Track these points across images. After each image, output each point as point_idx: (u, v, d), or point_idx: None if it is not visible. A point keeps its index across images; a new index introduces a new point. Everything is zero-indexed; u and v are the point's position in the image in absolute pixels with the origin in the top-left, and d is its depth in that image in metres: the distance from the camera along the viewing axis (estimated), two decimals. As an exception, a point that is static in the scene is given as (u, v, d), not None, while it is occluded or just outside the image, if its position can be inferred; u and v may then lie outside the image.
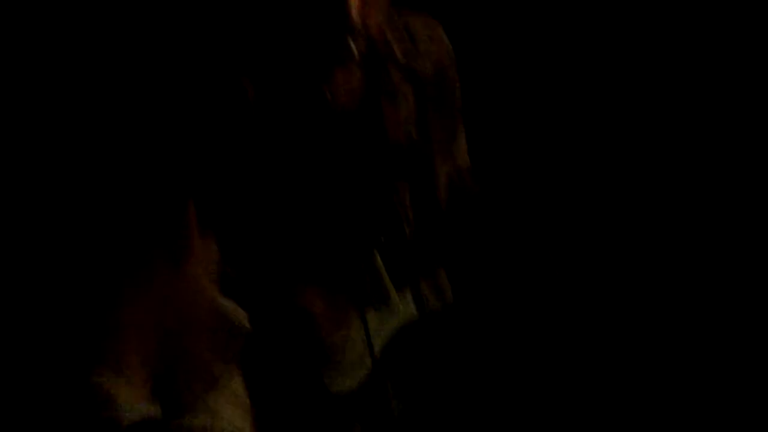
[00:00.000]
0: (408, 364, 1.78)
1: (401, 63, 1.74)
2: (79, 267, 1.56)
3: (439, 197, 1.80)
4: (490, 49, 2.46)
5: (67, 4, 2.01)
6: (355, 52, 1.61)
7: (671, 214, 2.54)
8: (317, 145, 1.71)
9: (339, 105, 1.72)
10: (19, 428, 1.54)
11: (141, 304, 1.52)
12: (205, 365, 1.59)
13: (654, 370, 2.46)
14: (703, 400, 2.43)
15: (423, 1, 1.86)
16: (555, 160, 2.50)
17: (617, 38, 2.48)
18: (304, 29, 1.67)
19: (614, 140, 2.50)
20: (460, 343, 1.95)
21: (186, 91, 1.69)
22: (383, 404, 1.74)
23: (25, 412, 1.55)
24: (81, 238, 1.56)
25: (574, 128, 2.50)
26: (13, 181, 1.70)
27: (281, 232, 1.72)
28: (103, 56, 1.74)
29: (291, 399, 1.68)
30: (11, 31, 2.10)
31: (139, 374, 1.50)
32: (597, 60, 2.48)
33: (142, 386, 1.49)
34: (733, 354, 2.44)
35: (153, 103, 1.72)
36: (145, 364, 1.51)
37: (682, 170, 2.50)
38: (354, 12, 1.57)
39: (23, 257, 1.61)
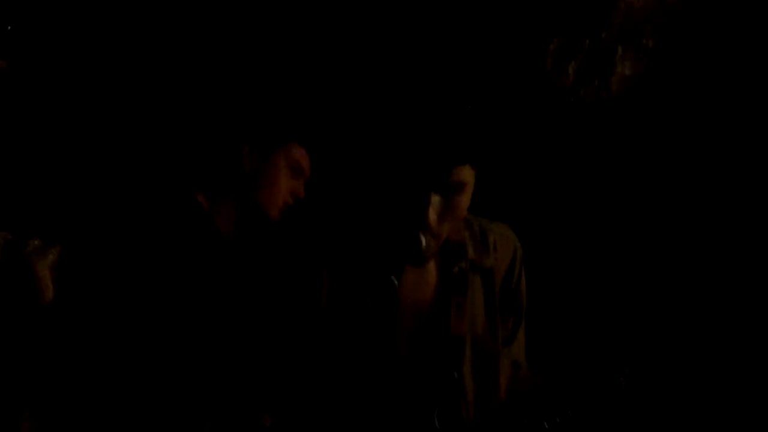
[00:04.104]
0: None
1: (472, 259, 1.80)
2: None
3: (501, 390, 1.82)
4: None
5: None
6: (424, 245, 1.66)
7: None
8: (384, 334, 1.75)
9: (406, 296, 1.77)
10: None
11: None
12: None
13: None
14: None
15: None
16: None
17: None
18: (384, 225, 1.73)
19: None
20: None
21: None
22: None
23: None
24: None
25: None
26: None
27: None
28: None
29: None
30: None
31: None
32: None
33: None
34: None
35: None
36: None
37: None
38: (432, 214, 1.63)
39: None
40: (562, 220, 2.60)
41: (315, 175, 2.25)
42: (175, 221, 2.01)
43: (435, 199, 1.63)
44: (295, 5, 2.65)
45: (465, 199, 1.69)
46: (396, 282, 1.71)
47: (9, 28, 2.37)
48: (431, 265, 1.80)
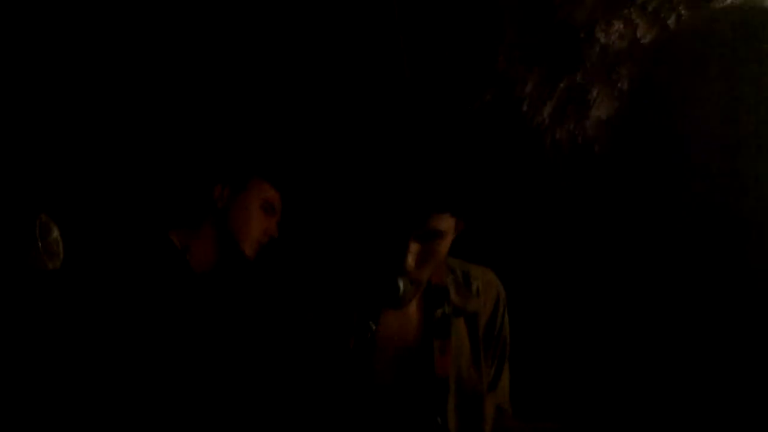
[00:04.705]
0: None
1: (455, 302, 1.80)
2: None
3: (485, 430, 1.81)
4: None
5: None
6: (402, 290, 1.65)
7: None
8: (364, 375, 1.73)
9: (386, 339, 1.76)
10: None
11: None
12: None
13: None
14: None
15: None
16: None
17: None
18: (363, 269, 1.73)
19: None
20: None
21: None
22: None
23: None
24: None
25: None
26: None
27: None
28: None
29: None
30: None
31: None
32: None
33: None
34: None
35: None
36: None
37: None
38: (410, 260, 1.62)
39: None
40: (544, 264, 2.60)
41: (293, 216, 2.25)
42: (147, 257, 2.02)
43: (413, 246, 1.63)
44: (269, 43, 2.65)
45: (444, 246, 1.68)
46: (373, 326, 1.70)
47: None
48: (414, 309, 1.79)
